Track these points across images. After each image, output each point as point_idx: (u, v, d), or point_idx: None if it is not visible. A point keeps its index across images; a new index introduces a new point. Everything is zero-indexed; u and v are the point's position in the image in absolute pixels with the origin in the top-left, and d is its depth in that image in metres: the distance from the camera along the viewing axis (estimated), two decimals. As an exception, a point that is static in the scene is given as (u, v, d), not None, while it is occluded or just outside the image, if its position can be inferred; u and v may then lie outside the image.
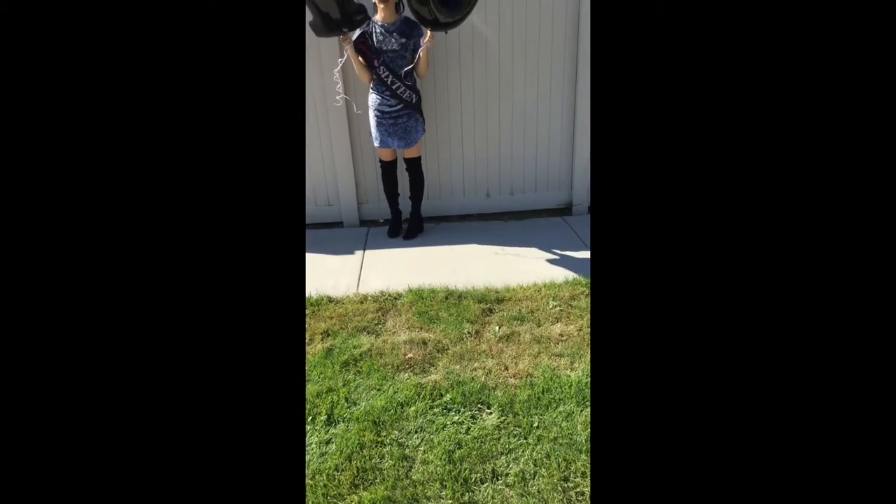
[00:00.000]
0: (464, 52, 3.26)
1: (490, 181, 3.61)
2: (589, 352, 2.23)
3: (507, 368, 2.15)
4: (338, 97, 3.03)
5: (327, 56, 3.14)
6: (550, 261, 3.03)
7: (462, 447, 1.78)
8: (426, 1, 2.65)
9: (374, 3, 2.87)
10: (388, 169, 3.25)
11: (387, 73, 2.91)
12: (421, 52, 2.87)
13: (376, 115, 3.05)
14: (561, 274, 2.84)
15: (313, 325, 2.49)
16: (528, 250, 3.15)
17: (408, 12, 2.97)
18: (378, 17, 2.90)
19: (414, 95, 2.99)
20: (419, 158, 3.23)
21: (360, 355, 2.27)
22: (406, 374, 2.15)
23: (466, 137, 3.49)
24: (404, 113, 3.01)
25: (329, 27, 2.76)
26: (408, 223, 3.41)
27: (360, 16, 2.76)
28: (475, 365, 2.18)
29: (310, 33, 2.87)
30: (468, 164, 3.56)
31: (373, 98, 3.03)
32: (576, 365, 2.15)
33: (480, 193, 3.63)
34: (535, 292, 2.65)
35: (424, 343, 2.32)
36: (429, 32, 2.80)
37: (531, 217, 3.61)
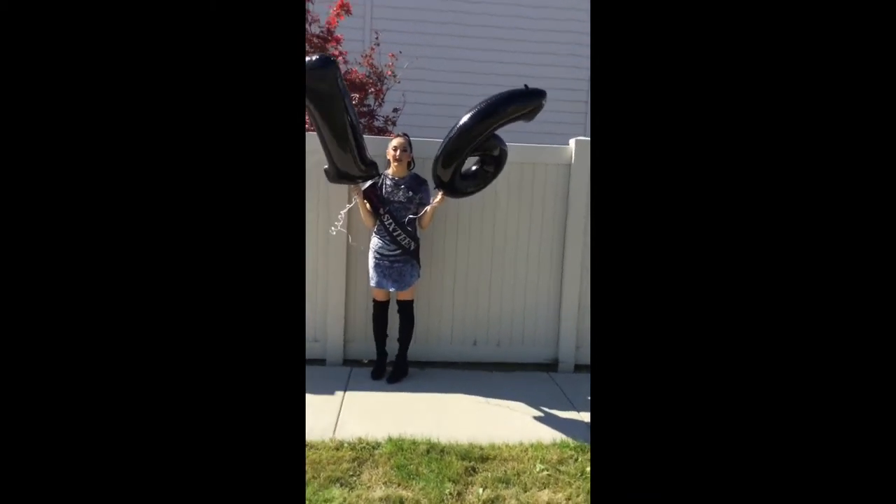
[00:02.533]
0: (462, 209, 3.49)
1: (478, 330, 3.63)
2: (579, 526, 2.06)
3: (490, 539, 1.96)
4: (336, 225, 3.18)
5: (335, 195, 3.33)
6: (537, 418, 2.93)
7: None
8: (449, 169, 2.94)
9: (389, 159, 3.14)
10: (381, 309, 3.28)
11: (391, 221, 3.09)
12: (429, 209, 3.11)
13: (375, 258, 3.17)
14: (548, 434, 2.74)
15: (283, 471, 2.30)
16: (514, 404, 3.06)
17: (418, 169, 3.24)
18: (390, 171, 3.16)
19: (413, 243, 3.14)
20: (412, 301, 3.28)
21: (331, 511, 2.07)
22: (379, 538, 1.94)
23: (458, 286, 3.58)
24: (402, 258, 3.13)
25: (342, 177, 2.99)
26: (392, 366, 3.34)
27: (372, 170, 3.01)
28: (456, 532, 1.99)
29: (322, 177, 3.08)
30: (458, 313, 3.60)
31: (374, 241, 3.18)
32: (565, 541, 1.98)
33: (468, 342, 3.62)
34: (521, 452, 2.52)
35: (401, 502, 2.14)
36: (440, 194, 3.07)
37: (517, 370, 3.56)
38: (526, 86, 2.91)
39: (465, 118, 2.89)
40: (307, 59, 2.71)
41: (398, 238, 3.10)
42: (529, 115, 2.92)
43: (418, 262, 3.23)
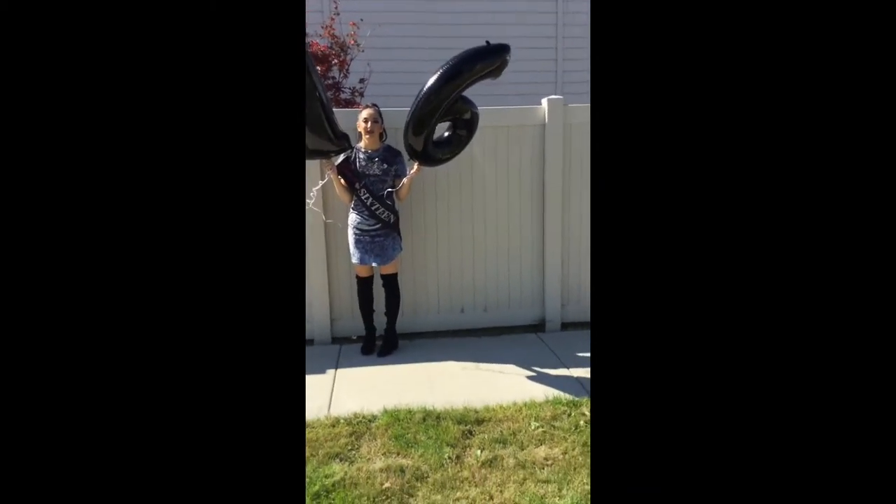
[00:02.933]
0: (440, 176, 3.44)
1: (464, 298, 3.64)
2: (577, 477, 2.11)
3: (491, 498, 2.01)
4: (308, 202, 3.05)
5: (309, 172, 3.26)
6: (529, 378, 2.98)
7: None
8: (420, 137, 2.87)
9: (360, 132, 3.06)
10: (364, 285, 3.25)
11: (367, 195, 3.04)
12: (406, 180, 3.06)
13: (355, 234, 3.12)
14: (541, 392, 2.78)
15: (281, 452, 2.30)
16: (505, 367, 3.10)
17: (390, 140, 3.17)
18: (362, 144, 3.09)
19: (392, 216, 3.10)
20: (396, 275, 3.26)
21: (333, 485, 2.09)
22: (383, 507, 1.97)
23: (441, 255, 3.57)
24: (382, 232, 3.10)
25: (314, 153, 2.91)
26: (382, 340, 3.35)
27: (345, 143, 2.93)
28: (458, 494, 2.03)
29: None
30: (443, 281, 3.60)
31: (353, 217, 3.13)
32: (564, 492, 2.03)
33: (455, 310, 3.64)
34: (515, 412, 2.56)
35: (402, 470, 2.17)
36: (416, 165, 3.01)
37: (505, 334, 3.60)
38: (488, 42, 2.83)
39: (429, 82, 2.80)
40: None
41: (377, 212, 3.05)
42: (496, 73, 2.85)
43: (399, 234, 3.19)
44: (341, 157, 3.06)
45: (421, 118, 2.84)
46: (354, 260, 3.16)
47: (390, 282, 3.25)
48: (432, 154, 3.01)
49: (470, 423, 2.49)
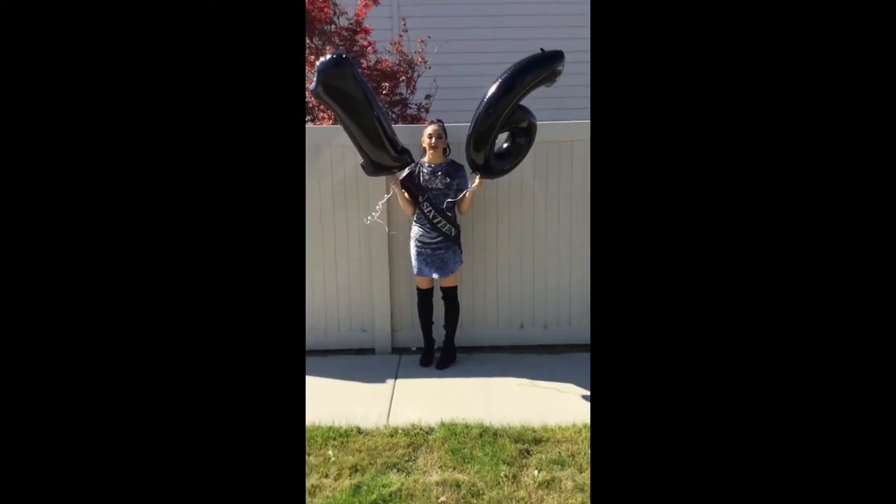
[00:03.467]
0: (500, 192, 3.45)
1: (524, 313, 3.61)
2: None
3: (548, 520, 1.97)
4: (372, 215, 3.20)
5: (373, 187, 3.36)
6: (588, 399, 2.91)
7: None
8: (482, 151, 2.92)
9: (425, 147, 3.13)
10: (425, 297, 3.30)
11: (430, 208, 3.10)
12: (468, 193, 3.11)
13: (417, 246, 3.19)
14: (601, 414, 2.71)
15: (341, 459, 2.37)
16: (563, 386, 3.04)
17: (454, 155, 3.22)
18: (426, 159, 3.15)
19: (453, 229, 3.14)
20: (455, 288, 3.29)
21: (390, 495, 2.12)
22: (439, 521, 1.98)
23: (501, 270, 3.57)
24: (443, 245, 3.14)
25: (377, 169, 3.01)
26: (440, 352, 3.37)
27: (406, 157, 3.01)
28: (514, 514, 2.01)
29: (360, 170, 3.11)
30: (502, 296, 3.59)
31: (415, 230, 3.20)
32: (624, 521, 1.96)
33: (514, 324, 3.61)
34: (574, 433, 2.51)
35: (458, 485, 2.17)
36: (478, 178, 3.06)
37: (565, 352, 3.54)
38: (542, 49, 2.85)
39: (486, 97, 2.85)
40: (322, 59, 2.74)
41: (438, 224, 3.10)
42: (550, 79, 2.87)
43: (460, 247, 3.22)
44: (405, 172, 3.14)
45: (481, 133, 2.90)
46: (415, 272, 3.22)
47: (450, 295, 3.28)
48: (494, 167, 3.04)
49: (527, 441, 2.46)
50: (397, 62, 4.42)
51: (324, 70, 2.68)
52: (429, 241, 3.14)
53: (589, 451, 2.37)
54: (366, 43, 4.32)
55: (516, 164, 3.11)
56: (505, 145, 3.09)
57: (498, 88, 2.83)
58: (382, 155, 2.94)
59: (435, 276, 3.20)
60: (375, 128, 2.85)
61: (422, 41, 4.47)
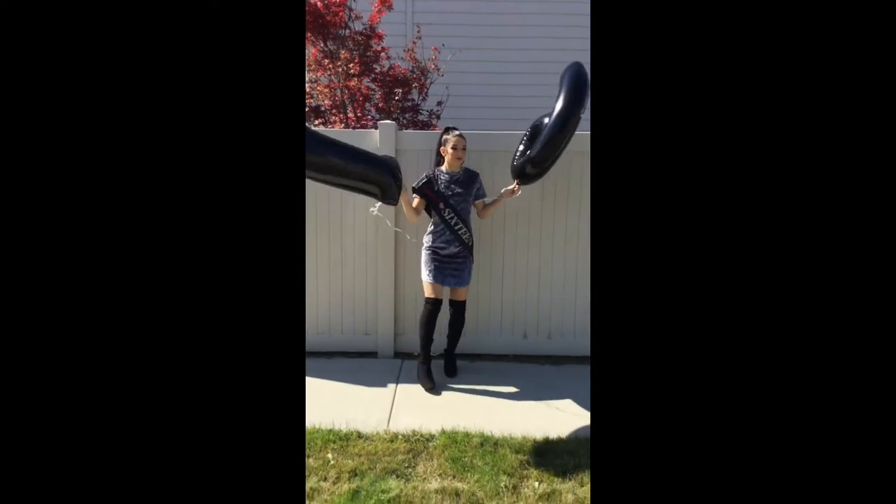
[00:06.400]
0: (508, 201, 3.45)
1: (528, 323, 3.60)
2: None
3: (548, 533, 1.95)
4: (374, 208, 3.08)
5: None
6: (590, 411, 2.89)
7: None
8: (542, 167, 2.98)
9: (443, 155, 3.12)
10: (434, 307, 3.14)
11: (452, 215, 3.06)
12: (501, 199, 3.20)
13: (433, 256, 3.10)
14: (603, 428, 2.69)
15: (340, 462, 2.35)
16: (566, 397, 3.02)
17: (468, 163, 3.22)
18: (444, 167, 3.14)
19: (471, 239, 3.14)
20: (465, 303, 3.23)
21: (388, 501, 2.11)
22: (437, 530, 1.96)
23: (506, 278, 3.56)
24: (461, 255, 3.11)
25: (389, 198, 2.78)
26: (444, 363, 3.33)
27: (398, 174, 2.76)
28: (513, 526, 1.99)
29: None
30: (507, 305, 3.58)
31: (431, 239, 3.13)
32: (625, 537, 1.94)
33: (518, 333, 3.60)
34: (576, 446, 2.49)
35: (457, 494, 2.16)
36: (516, 184, 3.14)
37: (568, 363, 3.52)
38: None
39: (564, 106, 2.81)
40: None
41: (459, 232, 3.06)
42: None
43: (472, 258, 3.20)
44: (424, 180, 3.13)
45: (548, 155, 2.94)
46: (430, 279, 3.10)
47: (459, 309, 3.21)
48: (530, 172, 3.08)
49: (528, 452, 2.44)
50: (410, 69, 4.44)
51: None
52: (447, 250, 3.09)
53: (590, 466, 2.35)
54: (379, 48, 4.35)
55: (547, 170, 3.14)
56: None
57: (575, 102, 2.78)
58: (383, 184, 2.70)
59: (451, 286, 3.13)
60: (361, 173, 2.62)
61: (435, 48, 4.50)
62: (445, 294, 3.23)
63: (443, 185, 3.10)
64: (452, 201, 3.07)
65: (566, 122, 2.85)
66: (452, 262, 3.10)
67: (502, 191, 3.19)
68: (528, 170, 3.03)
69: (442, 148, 3.13)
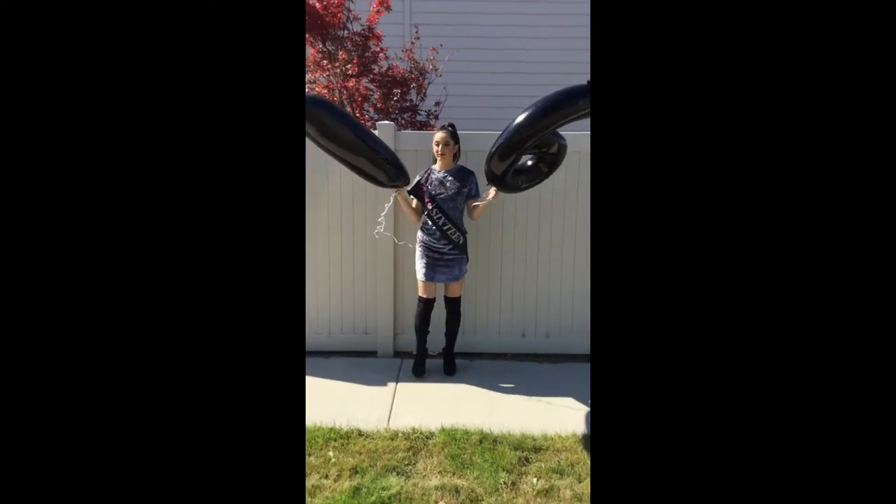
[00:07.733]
0: (509, 200, 3.47)
1: (526, 322, 3.62)
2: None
3: (546, 528, 1.98)
4: (379, 227, 3.20)
5: (380, 190, 3.38)
6: (588, 409, 2.91)
7: None
8: (504, 163, 2.91)
9: (434, 155, 3.14)
10: (427, 306, 3.23)
11: (439, 214, 3.09)
12: (482, 204, 3.12)
13: (424, 252, 3.16)
14: (601, 425, 2.71)
15: (342, 460, 2.38)
16: (565, 395, 3.05)
17: (462, 160, 3.24)
18: (436, 166, 3.16)
19: (462, 237, 3.15)
20: (459, 299, 3.28)
21: (389, 498, 2.13)
22: (437, 526, 1.99)
23: (505, 277, 3.58)
24: (451, 252, 3.14)
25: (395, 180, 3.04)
26: (443, 361, 3.36)
27: (401, 180, 3.05)
28: (512, 521, 2.01)
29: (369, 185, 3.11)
30: (505, 304, 3.60)
31: (422, 236, 3.18)
32: (622, 531, 1.97)
33: (516, 332, 3.63)
34: (574, 443, 2.52)
35: (457, 490, 2.18)
36: (494, 190, 3.06)
37: (567, 361, 3.54)
38: (589, 82, 2.81)
39: (521, 117, 2.78)
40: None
41: (447, 231, 3.09)
42: (589, 115, 2.79)
43: (467, 256, 3.22)
44: (416, 179, 3.15)
45: (510, 146, 2.83)
46: (422, 277, 3.18)
47: (454, 305, 3.26)
48: (511, 182, 3.03)
49: (527, 450, 2.47)
50: (408, 69, 4.46)
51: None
52: (437, 247, 3.13)
53: (588, 461, 2.38)
54: (378, 49, 4.37)
55: (533, 185, 3.10)
56: (528, 163, 3.07)
57: (535, 112, 2.75)
58: (390, 170, 2.96)
59: (442, 282, 3.18)
60: (371, 152, 2.89)
61: (434, 49, 4.52)
62: (440, 291, 3.26)
63: (433, 184, 3.12)
64: (439, 200, 3.09)
65: (517, 126, 2.78)
66: (443, 258, 3.13)
67: (483, 195, 3.15)
68: (490, 164, 2.95)
69: (432, 147, 3.15)
